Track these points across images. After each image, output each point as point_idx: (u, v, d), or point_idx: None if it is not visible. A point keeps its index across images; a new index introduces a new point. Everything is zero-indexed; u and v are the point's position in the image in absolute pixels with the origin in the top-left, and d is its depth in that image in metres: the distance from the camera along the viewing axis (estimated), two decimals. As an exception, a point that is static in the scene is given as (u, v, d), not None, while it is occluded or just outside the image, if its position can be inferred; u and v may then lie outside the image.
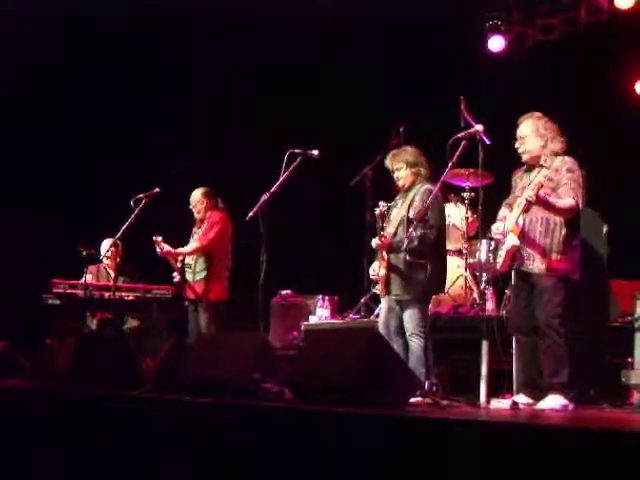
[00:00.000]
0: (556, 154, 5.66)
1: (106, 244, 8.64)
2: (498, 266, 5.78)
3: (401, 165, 6.33)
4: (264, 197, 6.45)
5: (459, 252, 7.58)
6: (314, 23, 9.15)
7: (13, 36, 9.43)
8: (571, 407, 5.39)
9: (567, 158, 5.65)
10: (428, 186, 6.19)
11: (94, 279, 8.64)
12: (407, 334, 6.09)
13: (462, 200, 7.48)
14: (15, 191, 9.77)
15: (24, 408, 5.52)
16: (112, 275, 8.45)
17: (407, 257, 6.07)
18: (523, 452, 3.34)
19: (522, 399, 5.58)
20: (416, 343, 6.02)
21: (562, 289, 5.51)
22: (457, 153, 5.82)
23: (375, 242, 6.31)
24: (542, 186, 5.38)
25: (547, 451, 3.27)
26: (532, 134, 5.70)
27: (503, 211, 5.93)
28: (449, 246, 7.54)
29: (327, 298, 8.15)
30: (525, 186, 5.64)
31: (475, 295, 7.06)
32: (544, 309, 5.48)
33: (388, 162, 6.43)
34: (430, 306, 6.37)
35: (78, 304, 8.12)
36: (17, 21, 9.36)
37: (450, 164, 5.86)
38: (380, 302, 7.62)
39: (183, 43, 9.70)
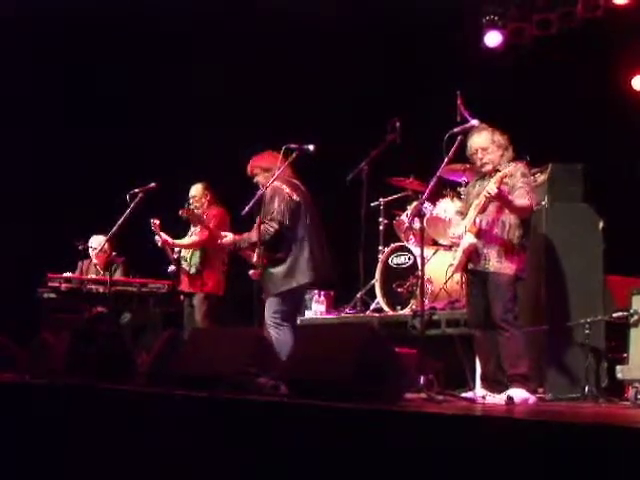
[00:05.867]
0: (510, 161, 5.79)
1: (95, 240, 8.65)
2: (452, 269, 5.94)
3: (257, 171, 6.69)
4: (260, 192, 6.46)
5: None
6: (311, 21, 9.13)
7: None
8: (532, 400, 5.50)
9: (519, 164, 5.80)
10: (275, 183, 6.47)
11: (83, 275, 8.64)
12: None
13: (458, 195, 7.47)
14: (11, 185, 9.76)
15: (18, 402, 5.51)
16: (101, 272, 8.50)
17: (265, 253, 6.41)
18: (520, 447, 3.34)
19: (481, 392, 5.67)
20: (271, 333, 6.34)
21: (513, 287, 5.67)
22: (453, 148, 5.83)
23: (220, 241, 6.80)
24: (502, 181, 5.49)
25: (543, 445, 3.28)
26: (492, 145, 5.82)
27: (455, 219, 6.16)
28: (444, 241, 7.53)
29: (323, 293, 8.13)
30: (480, 192, 5.72)
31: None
32: (498, 305, 5.63)
33: (248, 169, 6.76)
34: (426, 301, 6.37)
35: (74, 298, 8.11)
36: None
37: (446, 159, 5.87)
38: (375, 297, 7.65)
39: (179, 36, 9.68)
